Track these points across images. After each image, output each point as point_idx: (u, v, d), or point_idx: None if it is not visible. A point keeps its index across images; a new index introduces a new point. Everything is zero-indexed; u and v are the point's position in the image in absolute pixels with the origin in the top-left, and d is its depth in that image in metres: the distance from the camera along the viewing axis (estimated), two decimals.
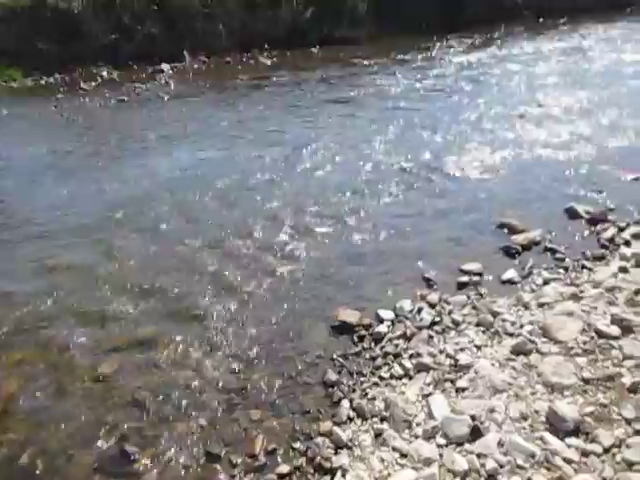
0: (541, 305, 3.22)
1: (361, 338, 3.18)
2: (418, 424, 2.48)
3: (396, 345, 3.07)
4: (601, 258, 3.78)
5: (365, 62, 10.24)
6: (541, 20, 14.37)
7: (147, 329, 3.34)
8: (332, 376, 2.90)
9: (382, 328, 3.22)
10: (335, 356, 3.06)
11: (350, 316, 3.32)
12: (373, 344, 3.13)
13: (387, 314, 3.34)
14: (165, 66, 10.25)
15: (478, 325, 3.15)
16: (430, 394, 2.64)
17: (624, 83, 8.29)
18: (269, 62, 10.72)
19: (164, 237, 4.42)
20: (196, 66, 10.52)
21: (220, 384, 2.90)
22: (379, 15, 12.66)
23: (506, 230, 4.22)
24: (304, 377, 2.95)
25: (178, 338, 3.23)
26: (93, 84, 9.46)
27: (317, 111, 7.53)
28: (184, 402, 2.80)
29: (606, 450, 2.18)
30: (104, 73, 9.99)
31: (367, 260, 4.00)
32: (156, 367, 3.04)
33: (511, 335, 2.99)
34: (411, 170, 5.48)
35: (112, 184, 5.51)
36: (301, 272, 3.85)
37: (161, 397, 2.83)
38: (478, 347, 2.94)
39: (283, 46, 11.35)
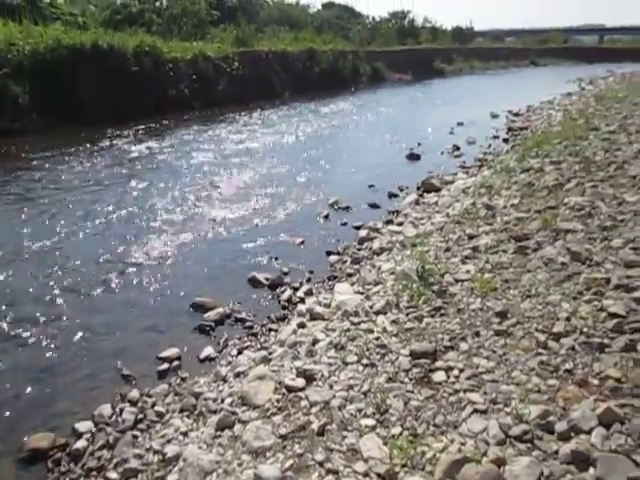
0: (237, 375, 3.40)
1: (57, 462, 2.85)
2: None
3: (99, 457, 2.84)
4: (283, 318, 4.23)
5: (32, 155, 9.63)
6: (209, 109, 15.89)
7: None
8: None
9: (81, 443, 2.95)
10: None
11: (41, 440, 2.95)
12: (73, 464, 2.83)
13: (85, 426, 3.08)
14: None
15: (182, 411, 3.14)
16: None
17: (285, 160, 9.65)
18: None
19: None
20: None
21: None
22: (46, 107, 12.19)
23: (199, 309, 4.37)
24: None
25: None
26: None
27: None
28: None
29: None
30: None
31: (58, 370, 3.63)
32: None
33: (214, 412, 3.05)
34: (106, 262, 5.29)
35: None
36: None
37: None
38: (184, 434, 2.92)
39: None
